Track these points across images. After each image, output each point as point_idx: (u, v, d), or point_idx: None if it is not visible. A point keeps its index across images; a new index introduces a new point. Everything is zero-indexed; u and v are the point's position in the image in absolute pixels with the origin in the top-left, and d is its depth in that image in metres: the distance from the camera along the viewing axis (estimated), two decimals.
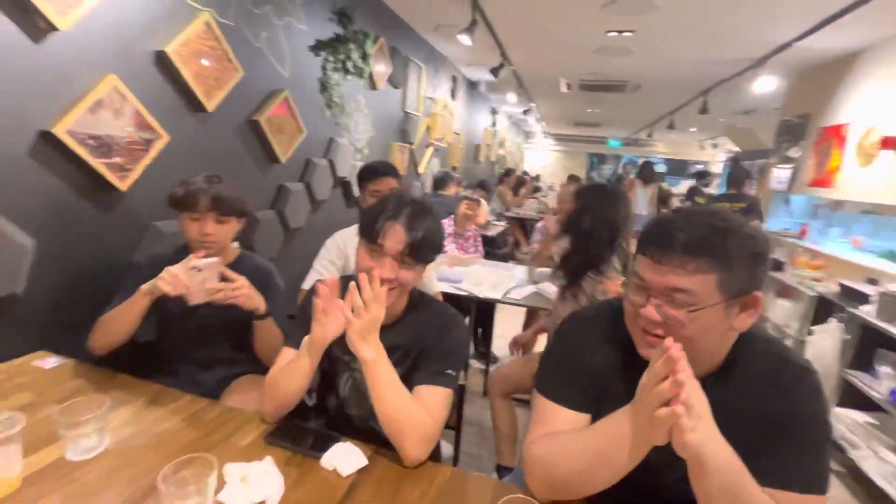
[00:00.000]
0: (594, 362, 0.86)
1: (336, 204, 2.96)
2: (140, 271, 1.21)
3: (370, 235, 0.95)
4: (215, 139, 1.90)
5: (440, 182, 4.12)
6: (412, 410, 0.92)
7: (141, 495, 0.79)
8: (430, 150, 4.60)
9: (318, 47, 2.50)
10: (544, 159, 15.25)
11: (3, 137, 1.21)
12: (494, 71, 4.10)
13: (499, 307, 2.75)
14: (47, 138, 1.29)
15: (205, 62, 1.75)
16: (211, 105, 1.81)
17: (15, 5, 1.18)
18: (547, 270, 2.47)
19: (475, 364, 3.05)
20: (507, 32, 3.74)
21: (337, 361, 1.07)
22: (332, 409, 1.10)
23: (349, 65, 2.76)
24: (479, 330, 3.14)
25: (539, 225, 3.55)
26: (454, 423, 1.36)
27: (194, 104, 1.76)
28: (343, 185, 3.00)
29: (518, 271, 2.91)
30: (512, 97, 6.14)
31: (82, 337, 1.18)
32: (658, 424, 0.64)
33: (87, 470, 0.84)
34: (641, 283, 0.75)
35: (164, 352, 1.34)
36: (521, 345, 2.21)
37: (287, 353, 1.03)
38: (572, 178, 7.25)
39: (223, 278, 1.15)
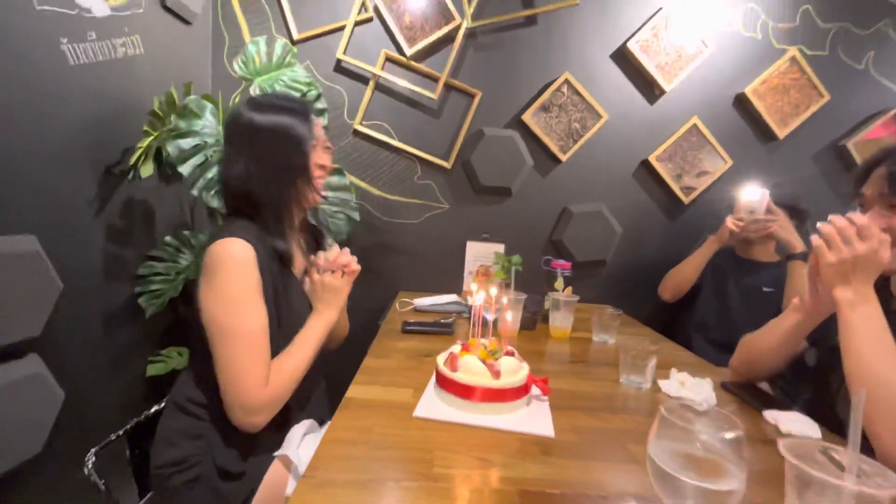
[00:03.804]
0: None
1: None
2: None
3: None
4: (784, 165, 1.98)
5: None
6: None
7: None
8: None
9: None
10: None
11: (621, 165, 1.97)
12: None
13: None
14: (644, 165, 1.95)
15: (782, 94, 1.90)
16: (782, 133, 1.93)
17: (643, 81, 1.89)
18: None
19: None
20: None
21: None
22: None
23: None
24: None
25: None
26: None
27: (765, 134, 1.95)
28: None
29: None
30: None
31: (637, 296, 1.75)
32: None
33: None
34: None
35: None
36: None
37: None
38: None
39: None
